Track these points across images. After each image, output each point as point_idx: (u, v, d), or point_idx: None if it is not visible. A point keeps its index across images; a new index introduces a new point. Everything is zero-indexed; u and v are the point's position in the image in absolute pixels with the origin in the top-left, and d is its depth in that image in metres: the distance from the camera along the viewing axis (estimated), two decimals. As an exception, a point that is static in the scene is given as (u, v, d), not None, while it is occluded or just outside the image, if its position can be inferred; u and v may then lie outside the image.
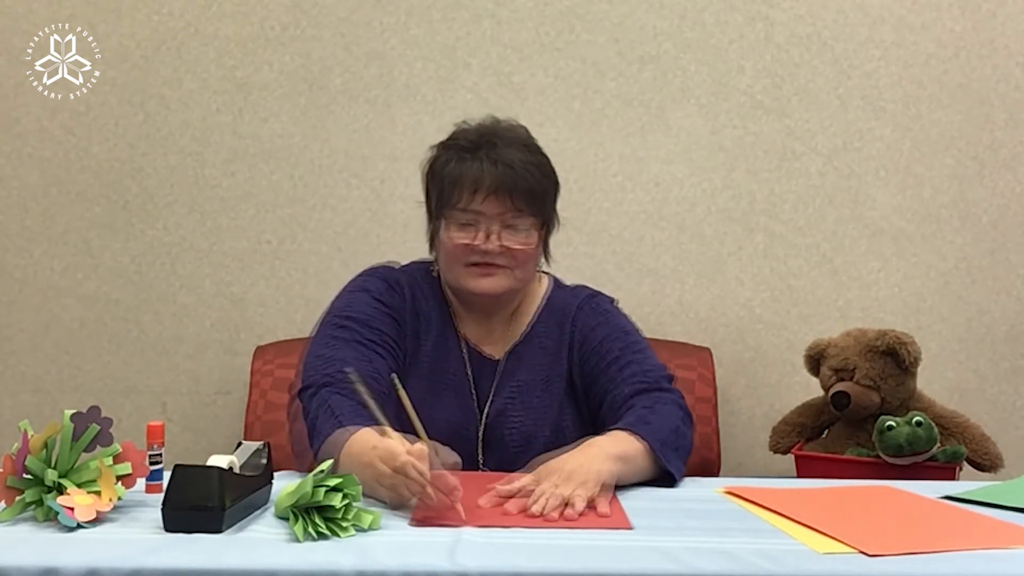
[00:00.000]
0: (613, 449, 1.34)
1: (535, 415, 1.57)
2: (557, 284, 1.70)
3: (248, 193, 2.41)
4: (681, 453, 1.44)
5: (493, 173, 1.50)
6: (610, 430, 1.41)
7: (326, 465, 1.13)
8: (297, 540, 1.04)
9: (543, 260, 1.65)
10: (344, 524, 1.07)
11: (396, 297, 1.59)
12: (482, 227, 1.51)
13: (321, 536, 1.05)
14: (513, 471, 1.40)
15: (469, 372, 1.59)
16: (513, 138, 1.56)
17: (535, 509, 1.19)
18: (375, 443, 1.22)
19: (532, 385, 1.59)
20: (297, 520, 1.06)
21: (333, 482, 1.09)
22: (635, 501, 1.27)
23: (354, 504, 1.10)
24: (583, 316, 1.63)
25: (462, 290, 1.57)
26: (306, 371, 1.47)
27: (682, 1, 2.39)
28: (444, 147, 1.58)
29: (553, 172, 1.60)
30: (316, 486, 1.08)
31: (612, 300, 1.70)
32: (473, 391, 1.59)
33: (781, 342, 2.41)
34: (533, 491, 1.23)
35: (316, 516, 1.07)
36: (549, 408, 1.59)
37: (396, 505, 1.19)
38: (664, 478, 1.39)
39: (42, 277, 2.42)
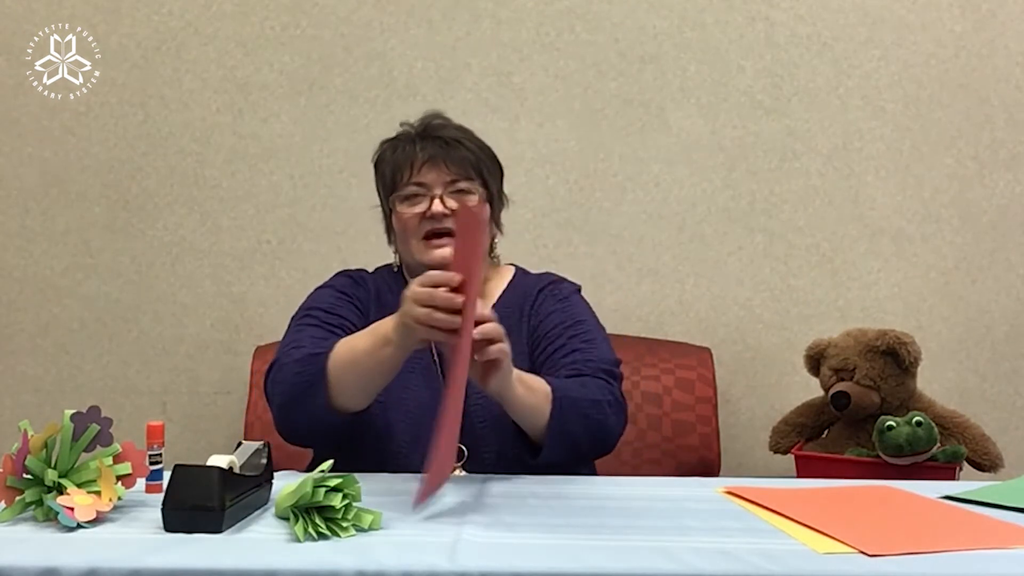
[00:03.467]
0: (527, 384, 1.40)
1: None
2: (522, 271, 1.74)
3: (248, 193, 2.41)
4: (587, 423, 1.44)
5: (426, 147, 1.60)
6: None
7: (326, 465, 1.13)
8: (297, 540, 1.04)
9: (496, 235, 1.70)
10: (344, 524, 1.07)
11: (361, 290, 1.67)
12: (427, 196, 1.58)
13: (321, 536, 1.05)
14: (483, 447, 1.50)
15: (435, 356, 1.62)
16: (445, 123, 1.66)
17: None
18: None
19: None
20: (297, 520, 1.06)
21: (333, 482, 1.09)
22: (635, 501, 1.27)
23: (354, 504, 1.10)
24: (542, 300, 1.66)
25: (420, 265, 1.59)
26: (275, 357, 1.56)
27: (682, 1, 2.39)
28: (384, 143, 1.69)
29: (491, 150, 1.67)
30: (316, 486, 1.08)
31: (577, 288, 1.72)
32: (440, 374, 1.61)
33: (781, 342, 2.41)
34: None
35: (316, 516, 1.07)
36: None
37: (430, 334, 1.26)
38: (539, 444, 1.43)
39: (42, 277, 2.42)
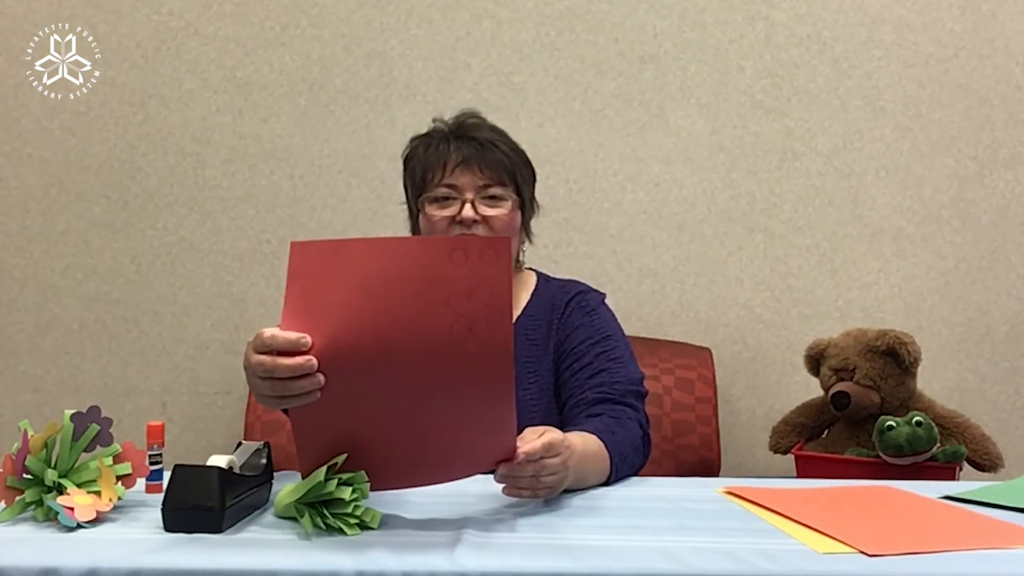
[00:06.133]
0: (588, 467, 1.32)
1: (521, 408, 1.56)
2: (544, 278, 1.71)
3: (248, 193, 2.41)
4: (631, 473, 1.43)
5: (460, 149, 1.56)
6: (583, 431, 1.38)
7: (340, 459, 1.13)
8: (305, 534, 1.04)
9: (525, 241, 1.66)
10: (351, 520, 1.07)
11: None
12: (458, 200, 1.55)
13: (330, 529, 1.05)
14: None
15: None
16: (480, 124, 1.61)
17: (520, 490, 1.18)
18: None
19: (519, 379, 1.58)
20: (304, 514, 1.06)
21: (345, 476, 1.09)
22: (635, 501, 1.27)
23: (360, 501, 1.10)
24: (570, 313, 1.63)
25: None
26: None
27: (682, 1, 2.39)
28: (416, 139, 1.63)
29: (525, 155, 1.63)
30: (328, 478, 1.08)
31: (602, 297, 1.69)
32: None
33: (781, 342, 2.41)
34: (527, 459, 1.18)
35: (325, 510, 1.07)
36: (537, 402, 1.58)
37: (270, 395, 1.09)
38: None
39: (42, 277, 2.42)
